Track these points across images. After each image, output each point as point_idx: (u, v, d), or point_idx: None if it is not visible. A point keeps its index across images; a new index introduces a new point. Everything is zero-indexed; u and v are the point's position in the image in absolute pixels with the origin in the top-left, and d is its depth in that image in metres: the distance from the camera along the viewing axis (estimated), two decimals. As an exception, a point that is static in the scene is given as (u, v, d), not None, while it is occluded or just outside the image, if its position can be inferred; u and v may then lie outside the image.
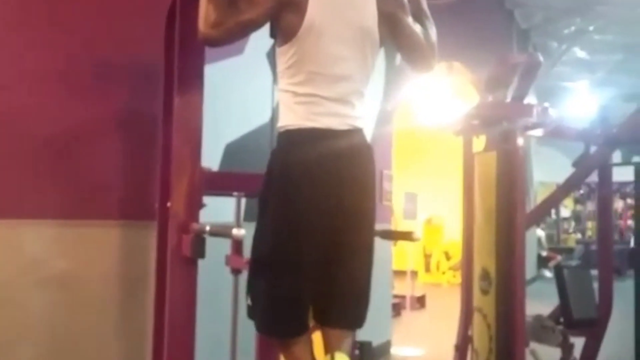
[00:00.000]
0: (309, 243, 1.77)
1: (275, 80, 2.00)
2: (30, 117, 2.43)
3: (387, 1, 1.91)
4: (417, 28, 1.98)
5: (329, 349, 1.85)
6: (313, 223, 1.77)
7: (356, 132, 1.86)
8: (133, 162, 2.65)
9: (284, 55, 1.84)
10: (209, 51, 2.23)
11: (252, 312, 1.86)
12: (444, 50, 2.16)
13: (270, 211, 1.81)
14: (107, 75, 2.61)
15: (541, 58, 2.89)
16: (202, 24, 1.80)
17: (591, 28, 9.45)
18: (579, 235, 15.37)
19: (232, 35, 1.87)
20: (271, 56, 2.57)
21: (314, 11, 1.78)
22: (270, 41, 1.94)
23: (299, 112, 1.81)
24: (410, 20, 1.97)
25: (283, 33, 1.83)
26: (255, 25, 1.85)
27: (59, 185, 2.47)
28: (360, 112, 1.89)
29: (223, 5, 1.78)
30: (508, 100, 2.89)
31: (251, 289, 1.87)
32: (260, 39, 2.06)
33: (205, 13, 1.79)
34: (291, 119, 1.82)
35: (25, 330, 2.34)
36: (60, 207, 2.46)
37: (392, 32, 1.94)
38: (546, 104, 2.78)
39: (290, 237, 1.77)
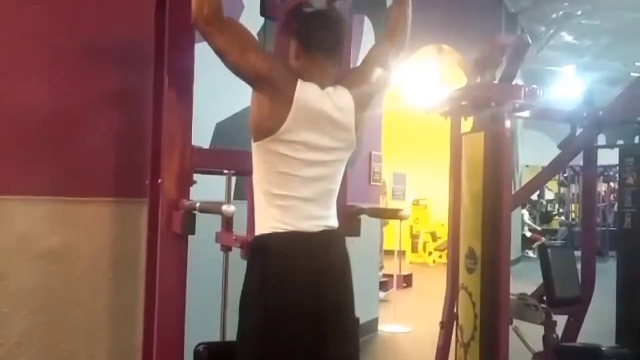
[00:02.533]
0: (292, 347, 1.80)
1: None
2: (21, 96, 2.41)
3: (361, 88, 1.93)
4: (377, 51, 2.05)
5: None
6: (295, 327, 1.79)
7: (330, 232, 1.90)
8: (124, 140, 2.65)
9: (259, 151, 1.84)
10: (199, 29, 2.22)
11: None
12: (434, 33, 2.19)
13: (252, 319, 1.83)
14: (98, 54, 2.60)
15: (529, 40, 2.92)
16: (195, 11, 1.78)
17: (578, 12, 9.50)
18: (562, 218, 15.56)
19: (221, 37, 1.81)
20: (261, 35, 2.56)
21: (293, 117, 1.78)
22: (261, 20, 1.95)
23: (275, 215, 1.82)
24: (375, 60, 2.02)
25: (260, 128, 1.82)
26: (238, 65, 1.80)
27: (50, 162, 2.47)
28: (332, 211, 1.93)
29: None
30: (496, 81, 2.92)
31: None
32: (252, 17, 2.07)
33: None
34: (266, 222, 1.84)
35: (17, 305, 2.35)
36: (52, 184, 2.46)
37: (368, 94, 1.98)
38: (534, 86, 2.81)
39: (273, 343, 1.79)
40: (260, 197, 1.86)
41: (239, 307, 1.88)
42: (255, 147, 1.85)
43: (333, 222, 1.92)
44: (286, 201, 1.82)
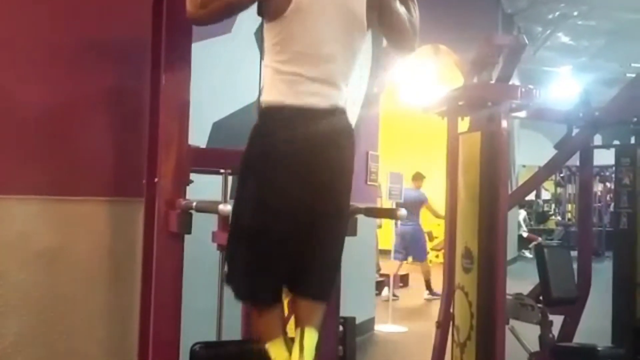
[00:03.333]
0: (285, 218, 1.82)
1: (262, 57, 2.01)
2: (18, 95, 2.41)
3: None
4: (402, 11, 2.00)
5: (299, 322, 1.90)
6: (290, 200, 1.81)
7: (338, 111, 1.88)
8: (120, 139, 2.65)
9: (271, 32, 1.85)
10: (196, 29, 2.22)
11: (229, 279, 1.93)
12: (431, 33, 2.20)
13: (249, 186, 1.85)
14: (94, 52, 2.59)
15: (526, 40, 2.92)
16: (189, 3, 1.82)
17: (575, 13, 9.52)
18: (559, 218, 15.60)
19: (219, 15, 1.89)
20: (259, 35, 2.56)
21: None
22: (258, 20, 1.95)
23: (282, 89, 1.83)
24: (396, 3, 1.98)
25: (271, 11, 1.83)
26: (242, 6, 1.87)
27: (47, 161, 2.46)
28: (343, 94, 1.91)
29: None
30: (493, 82, 2.92)
31: (229, 257, 1.93)
32: (248, 17, 2.06)
33: None
34: (273, 95, 1.84)
35: (13, 304, 2.35)
36: (48, 183, 2.45)
37: (378, 14, 1.96)
38: (531, 86, 2.82)
39: (267, 212, 1.82)
40: (269, 73, 1.86)
41: (238, 176, 1.90)
42: (266, 27, 1.86)
43: (341, 102, 1.90)
44: (294, 77, 1.82)
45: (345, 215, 1.98)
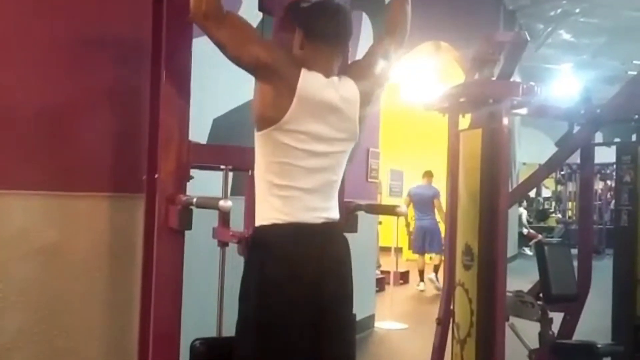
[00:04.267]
0: (290, 340, 1.80)
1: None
2: (17, 91, 2.40)
3: (365, 80, 1.94)
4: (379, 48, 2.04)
5: None
6: (293, 320, 1.80)
7: (331, 224, 1.89)
8: (121, 135, 2.64)
9: (262, 141, 1.84)
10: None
11: None
12: (432, 30, 2.20)
13: (251, 310, 1.83)
14: (95, 48, 2.58)
15: (527, 37, 2.92)
16: (193, 6, 1.79)
17: (577, 10, 9.51)
18: (559, 215, 15.60)
19: (221, 31, 1.82)
20: (260, 30, 2.56)
21: (297, 106, 1.78)
22: (260, 15, 1.94)
23: (276, 206, 1.82)
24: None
25: (263, 117, 1.82)
26: (240, 56, 1.83)
27: (47, 157, 2.46)
28: (334, 203, 1.92)
29: None
30: (494, 78, 2.92)
31: None
32: (249, 13, 2.06)
33: None
34: (267, 213, 1.83)
35: (12, 300, 2.34)
36: (48, 179, 2.45)
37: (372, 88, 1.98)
38: (532, 83, 2.81)
39: (271, 335, 1.80)
40: (262, 186, 1.85)
41: (238, 298, 1.88)
42: (258, 137, 1.85)
43: (334, 214, 1.92)
44: (288, 192, 1.81)
45: (351, 320, 1.98)
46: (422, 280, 8.02)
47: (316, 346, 1.83)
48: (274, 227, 1.81)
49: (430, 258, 8.26)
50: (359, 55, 2.11)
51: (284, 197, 1.82)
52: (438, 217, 7.76)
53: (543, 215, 15.62)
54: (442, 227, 7.24)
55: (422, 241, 7.81)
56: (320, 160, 1.85)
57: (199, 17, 1.79)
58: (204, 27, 1.81)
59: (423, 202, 7.84)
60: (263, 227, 1.84)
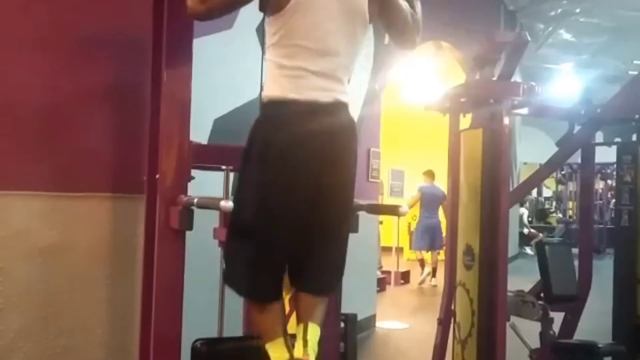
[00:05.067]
0: (286, 213, 1.81)
1: (263, 52, 2.01)
2: (17, 89, 2.40)
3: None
4: (404, 6, 1.99)
5: (301, 317, 1.89)
6: (291, 195, 1.80)
7: (340, 105, 1.87)
8: (121, 135, 2.64)
9: (272, 27, 1.84)
10: (197, 25, 2.22)
11: (228, 276, 1.92)
12: (433, 30, 2.19)
13: (250, 182, 1.84)
14: (96, 47, 2.58)
15: (528, 37, 2.92)
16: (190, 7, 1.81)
17: (577, 10, 9.50)
18: (560, 215, 15.60)
19: (219, 11, 1.89)
20: (260, 31, 2.56)
21: None
22: (260, 15, 1.94)
23: (284, 84, 1.81)
24: None
25: (272, 5, 1.82)
26: (242, 2, 1.87)
27: (47, 158, 2.46)
28: (346, 88, 1.91)
29: None
30: (495, 78, 2.92)
31: (228, 254, 1.92)
32: (250, 13, 2.06)
33: None
34: (276, 89, 1.83)
35: (13, 300, 2.35)
36: (49, 179, 2.45)
37: (380, 8, 1.95)
38: (532, 83, 2.81)
39: (268, 207, 1.80)
40: (272, 68, 1.85)
41: (238, 172, 1.88)
42: (268, 21, 1.85)
43: (344, 97, 1.89)
44: (297, 72, 1.81)
45: (348, 209, 1.97)
46: (433, 275, 8.21)
47: (312, 218, 1.82)
48: (282, 102, 1.81)
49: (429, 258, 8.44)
50: None
51: (293, 76, 1.81)
52: (442, 217, 7.91)
53: (542, 214, 15.62)
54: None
55: (430, 239, 8.00)
56: (329, 41, 1.84)
57: (197, 5, 1.82)
58: (208, 10, 1.84)
59: (433, 201, 7.95)
60: (271, 102, 1.83)
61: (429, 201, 7.95)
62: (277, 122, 1.81)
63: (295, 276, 1.91)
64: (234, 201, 1.90)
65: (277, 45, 1.83)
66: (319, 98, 1.82)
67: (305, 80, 1.81)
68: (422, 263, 8.31)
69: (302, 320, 1.88)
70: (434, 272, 8.22)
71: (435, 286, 8.07)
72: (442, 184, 3.33)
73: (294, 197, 1.80)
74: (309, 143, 1.80)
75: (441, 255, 8.71)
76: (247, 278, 1.85)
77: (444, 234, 8.45)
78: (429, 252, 8.31)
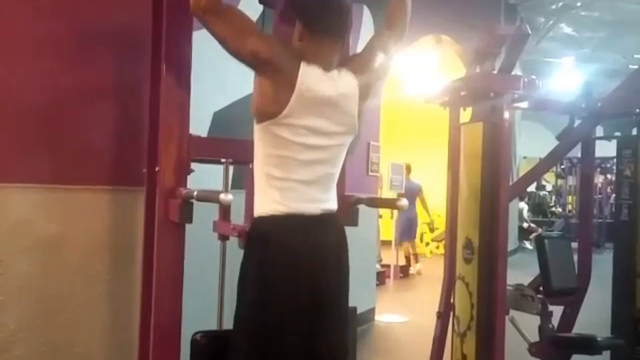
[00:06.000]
0: (288, 334, 1.81)
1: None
2: (18, 83, 2.40)
3: (364, 74, 1.93)
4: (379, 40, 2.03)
5: None
6: (291, 314, 1.81)
7: (329, 215, 1.90)
8: (121, 128, 2.64)
9: (261, 134, 1.84)
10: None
11: None
12: (433, 23, 2.19)
13: (249, 304, 1.84)
14: (95, 40, 2.58)
15: (529, 30, 2.91)
16: (193, 0, 1.79)
17: (578, 4, 9.48)
18: (559, 209, 15.61)
19: (220, 25, 1.83)
20: (260, 24, 2.55)
21: (296, 101, 1.78)
22: (260, 8, 1.94)
23: (274, 197, 1.82)
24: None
25: (262, 111, 1.82)
26: (239, 51, 1.83)
27: (47, 150, 2.46)
28: (332, 195, 1.93)
29: None
30: (495, 72, 2.91)
31: None
32: (250, 8, 2.05)
33: None
34: (265, 204, 1.84)
35: (13, 293, 2.35)
36: (48, 172, 2.45)
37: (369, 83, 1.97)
38: (533, 77, 2.80)
39: (269, 329, 1.81)
40: (261, 178, 1.86)
41: (237, 290, 1.89)
42: (257, 130, 1.85)
43: (332, 205, 1.92)
44: (285, 183, 1.82)
45: (344, 319, 1.97)
46: (417, 261, 8.93)
47: (313, 335, 1.84)
48: (272, 218, 1.82)
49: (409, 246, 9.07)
50: (359, 49, 2.10)
51: (282, 188, 1.82)
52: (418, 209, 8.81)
53: (540, 209, 15.63)
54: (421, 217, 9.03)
55: (409, 230, 8.74)
56: (318, 153, 1.85)
57: (199, 11, 1.80)
58: (203, 21, 1.82)
59: (410, 195, 8.39)
60: (261, 218, 1.85)
61: (408, 195, 8.04)
62: (268, 241, 1.82)
63: None
64: (236, 320, 1.88)
65: (266, 153, 1.84)
66: (307, 211, 1.84)
67: (292, 193, 1.82)
68: (414, 257, 8.89)
69: None
70: (415, 259, 8.93)
71: (420, 273, 8.72)
72: (442, 177, 3.32)
73: (295, 306, 1.81)
74: (302, 255, 1.81)
75: (440, 249, 9.06)
76: None
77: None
78: (407, 242, 8.88)
